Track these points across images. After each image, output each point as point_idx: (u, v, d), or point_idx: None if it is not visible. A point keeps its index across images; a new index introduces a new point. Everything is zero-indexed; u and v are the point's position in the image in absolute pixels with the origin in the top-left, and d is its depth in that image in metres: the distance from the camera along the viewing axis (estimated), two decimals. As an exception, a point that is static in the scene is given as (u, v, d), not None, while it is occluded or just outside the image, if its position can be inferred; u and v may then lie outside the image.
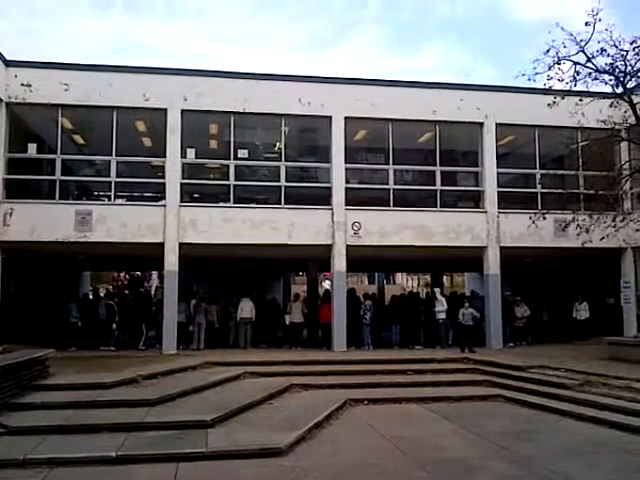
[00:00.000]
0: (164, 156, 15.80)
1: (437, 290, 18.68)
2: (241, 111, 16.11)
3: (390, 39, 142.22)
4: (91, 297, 21.43)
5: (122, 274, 32.60)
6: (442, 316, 17.16)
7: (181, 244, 15.56)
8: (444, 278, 28.44)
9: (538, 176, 17.23)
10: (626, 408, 9.49)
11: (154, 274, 33.18)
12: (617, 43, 13.32)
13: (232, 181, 16.20)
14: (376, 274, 32.82)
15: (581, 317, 18.74)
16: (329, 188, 16.55)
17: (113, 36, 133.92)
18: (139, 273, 32.04)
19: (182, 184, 15.95)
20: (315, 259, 19.44)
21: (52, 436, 7.98)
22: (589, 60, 13.61)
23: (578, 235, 14.04)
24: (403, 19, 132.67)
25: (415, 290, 28.74)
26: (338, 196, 16.41)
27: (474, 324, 15.99)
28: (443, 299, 17.80)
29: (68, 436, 8.04)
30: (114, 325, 16.69)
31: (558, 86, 13.72)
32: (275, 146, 17.50)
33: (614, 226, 14.11)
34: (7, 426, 8.23)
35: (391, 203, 16.83)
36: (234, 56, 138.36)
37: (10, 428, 8.19)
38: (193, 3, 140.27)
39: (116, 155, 15.71)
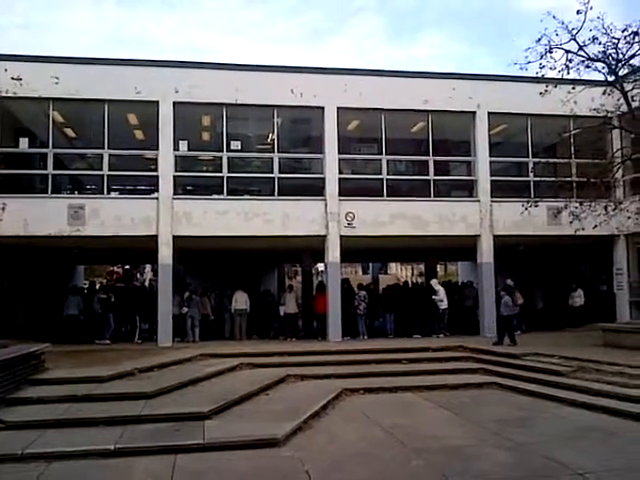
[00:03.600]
0: (157, 149, 15.74)
1: (434, 281, 18.67)
2: (233, 103, 16.05)
3: (388, 29, 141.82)
4: (86, 291, 21.36)
5: (115, 268, 32.55)
6: (444, 305, 17.30)
7: (175, 237, 15.54)
8: (438, 267, 28.49)
9: (530, 164, 17.26)
10: (619, 394, 9.58)
11: (147, 267, 33.17)
12: (609, 31, 13.39)
13: (225, 173, 16.17)
14: (370, 264, 32.90)
15: (576, 304, 18.86)
16: (322, 179, 16.56)
17: (108, 29, 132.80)
18: (128, 267, 31.98)
19: (175, 177, 15.91)
20: (309, 250, 19.45)
21: (50, 430, 7.98)
22: (581, 48, 13.65)
23: (571, 223, 14.12)
24: (401, 9, 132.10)
25: (411, 282, 28.74)
26: (331, 187, 16.41)
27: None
28: (442, 288, 17.88)
29: (66, 430, 8.03)
30: (110, 318, 16.67)
31: (550, 75, 13.77)
32: (268, 137, 17.46)
33: (606, 213, 14.19)
34: (4, 421, 8.22)
35: (384, 193, 16.86)
36: (229, 47, 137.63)
37: (7, 423, 8.18)
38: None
39: (108, 148, 15.63)
